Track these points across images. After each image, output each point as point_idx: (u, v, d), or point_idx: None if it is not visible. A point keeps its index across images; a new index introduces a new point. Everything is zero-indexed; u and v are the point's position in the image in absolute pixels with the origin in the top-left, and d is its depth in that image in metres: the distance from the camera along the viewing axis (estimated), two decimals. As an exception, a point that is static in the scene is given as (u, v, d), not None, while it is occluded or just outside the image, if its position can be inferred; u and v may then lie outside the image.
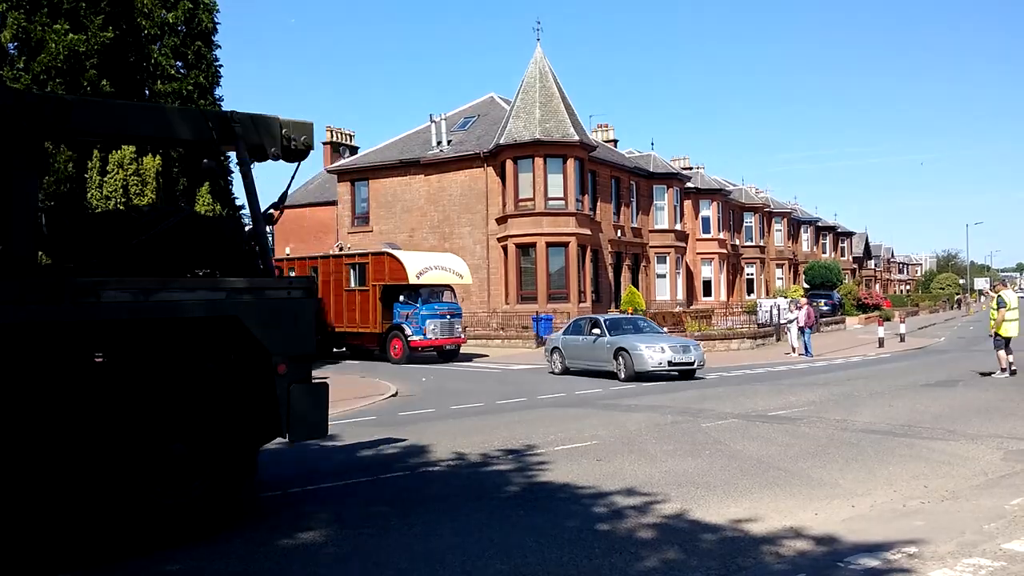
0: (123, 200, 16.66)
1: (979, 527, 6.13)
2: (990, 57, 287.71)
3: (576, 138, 33.54)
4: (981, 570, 5.19)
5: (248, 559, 5.94)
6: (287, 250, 46.41)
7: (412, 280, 24.81)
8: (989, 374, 17.37)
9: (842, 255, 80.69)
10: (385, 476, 8.68)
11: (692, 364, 18.42)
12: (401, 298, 25.19)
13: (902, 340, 31.20)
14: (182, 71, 20.16)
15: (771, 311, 33.75)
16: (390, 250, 26.90)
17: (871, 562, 5.48)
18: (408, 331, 24.65)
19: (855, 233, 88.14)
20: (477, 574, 5.50)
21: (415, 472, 8.88)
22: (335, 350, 28.06)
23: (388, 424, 12.50)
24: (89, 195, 16.45)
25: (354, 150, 45.53)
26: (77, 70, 16.26)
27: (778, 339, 31.34)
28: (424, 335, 24.62)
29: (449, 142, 37.24)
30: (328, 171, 42.58)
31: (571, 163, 33.73)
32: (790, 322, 26.81)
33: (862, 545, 5.85)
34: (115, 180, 16.64)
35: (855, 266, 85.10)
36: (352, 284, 27.00)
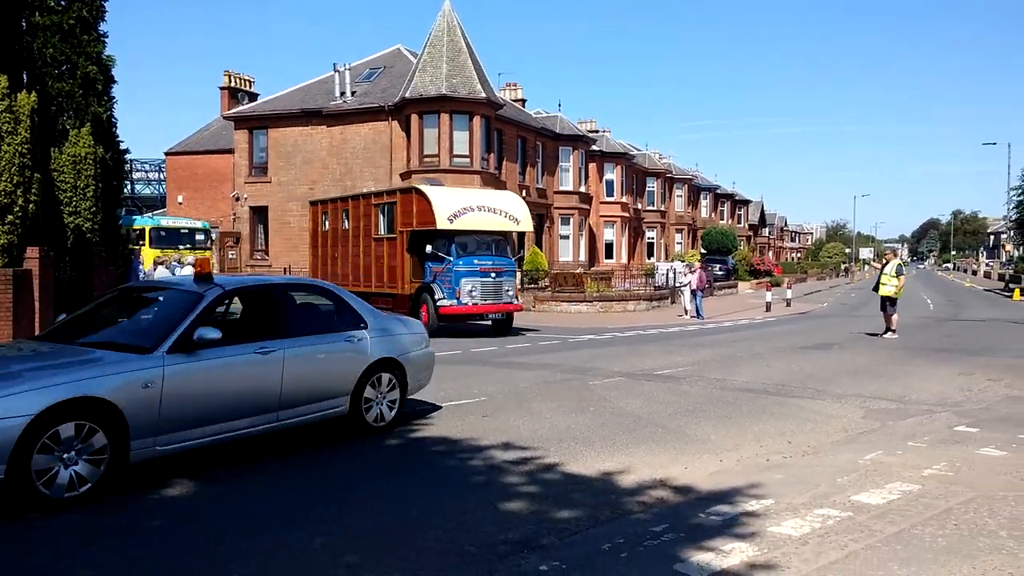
0: (-8, 138, 15.55)
1: (833, 480, 6.48)
2: (882, 38, 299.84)
3: (483, 95, 33.23)
4: (829, 519, 5.48)
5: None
6: (179, 199, 44.68)
7: (442, 225, 18.76)
8: (877, 335, 18.68)
9: (739, 222, 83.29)
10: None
11: None
12: (428, 249, 19.03)
13: (788, 305, 32.54)
14: (63, 3, 18.82)
15: (667, 274, 34.62)
16: (419, 185, 20.71)
17: (729, 511, 5.72)
18: (438, 293, 18.76)
19: (751, 201, 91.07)
20: (339, 526, 5.48)
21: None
22: None
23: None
24: (-47, 131, 15.29)
25: (254, 97, 43.85)
26: (-61, -6, 14.99)
27: (673, 302, 32.20)
28: (457, 299, 18.53)
29: (353, 93, 36.31)
30: (225, 117, 40.88)
31: (477, 120, 33.45)
32: (683, 286, 27.57)
33: (723, 496, 6.10)
34: (-17, 116, 15.51)
35: (750, 233, 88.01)
36: (381, 231, 21.38)
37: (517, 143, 39.19)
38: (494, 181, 35.08)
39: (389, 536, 5.29)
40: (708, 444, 7.86)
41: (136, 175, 67.40)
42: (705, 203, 73.41)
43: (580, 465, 7.02)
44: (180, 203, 44.51)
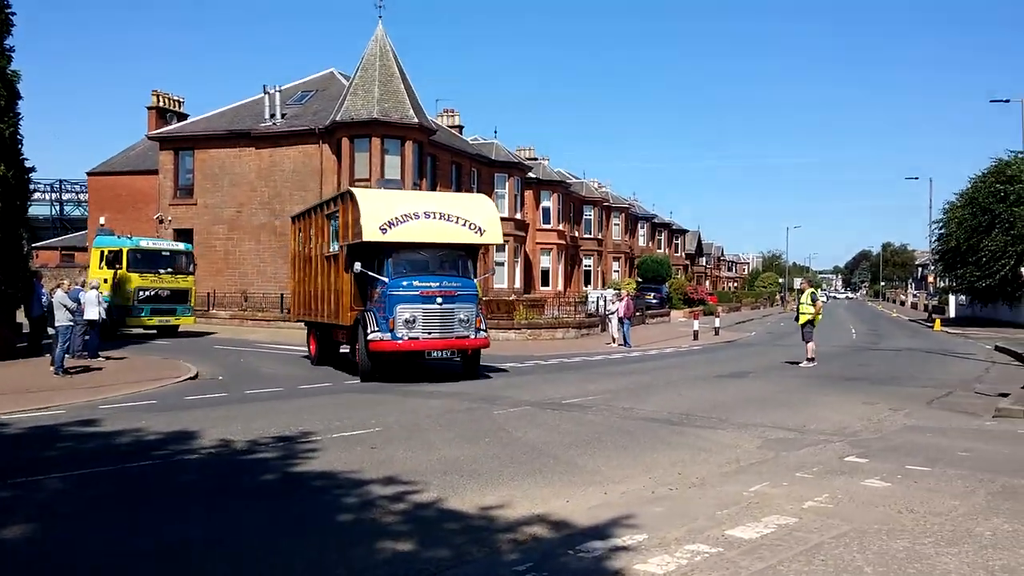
0: None
1: (712, 513, 6.31)
2: (817, 69, 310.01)
3: (415, 120, 33.05)
4: (697, 555, 5.28)
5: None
6: (101, 220, 43.29)
7: (370, 236, 14.86)
8: (796, 363, 18.92)
9: (676, 251, 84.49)
10: (132, 465, 8.01)
11: None
12: (357, 267, 15.08)
13: (716, 333, 32.84)
14: (-38, 15, 18.10)
15: (598, 302, 34.68)
16: (354, 188, 16.90)
17: (599, 547, 5.48)
18: (370, 325, 14.86)
19: (688, 231, 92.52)
20: (179, 564, 5.08)
21: (169, 460, 8.27)
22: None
23: (167, 409, 11.69)
24: None
25: (183, 117, 42.93)
26: None
27: (603, 329, 32.22)
28: (391, 332, 14.63)
29: (284, 116, 35.80)
30: (150, 137, 39.93)
31: (409, 145, 33.23)
32: (611, 314, 27.59)
33: (598, 531, 5.86)
34: None
35: (687, 262, 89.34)
36: (333, 248, 17.36)
37: (451, 169, 39.07)
38: (426, 207, 34.80)
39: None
40: (596, 476, 7.63)
41: (66, 196, 65.52)
42: (642, 232, 74.31)
43: (459, 500, 6.72)
44: (102, 224, 43.10)
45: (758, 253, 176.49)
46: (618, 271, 63.45)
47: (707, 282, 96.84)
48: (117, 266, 26.71)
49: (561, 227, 51.12)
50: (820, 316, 19.57)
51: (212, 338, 27.57)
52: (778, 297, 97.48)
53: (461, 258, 16.00)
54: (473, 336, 15.33)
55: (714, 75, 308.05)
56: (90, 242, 44.14)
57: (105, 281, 26.37)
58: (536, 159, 53.50)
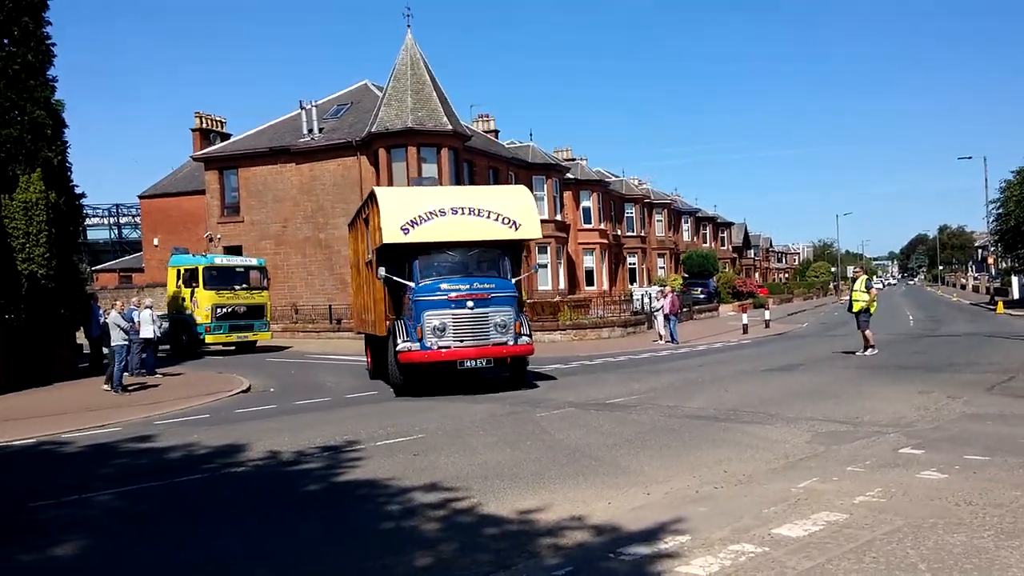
0: (-67, 184, 15.32)
1: (759, 512, 6.16)
2: (857, 60, 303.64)
3: (449, 127, 33.17)
4: (742, 556, 5.16)
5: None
6: (155, 241, 44.38)
7: (391, 238, 13.92)
8: (853, 352, 18.72)
9: (722, 245, 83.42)
10: (182, 479, 8.15)
11: None
12: (381, 272, 14.11)
13: (767, 326, 32.31)
14: (10, 48, 18.66)
15: (643, 299, 34.39)
16: (377, 188, 15.88)
17: (642, 551, 5.38)
18: (399, 335, 13.84)
19: (734, 224, 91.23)
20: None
21: (217, 474, 8.38)
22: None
23: (218, 423, 11.89)
24: None
25: (226, 137, 43.72)
26: None
27: (649, 327, 31.93)
28: (420, 341, 13.54)
29: (321, 130, 36.23)
30: (195, 158, 40.74)
31: (445, 152, 33.35)
32: (656, 310, 27.30)
33: (640, 534, 5.76)
34: (-75, 163, 15.30)
35: (735, 255, 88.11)
36: (370, 253, 16.08)
37: (489, 173, 39.11)
38: (467, 212, 34.89)
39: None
40: (639, 476, 7.52)
41: (123, 219, 67.29)
42: (686, 227, 73.52)
43: (499, 505, 6.67)
44: (156, 245, 44.17)
45: (808, 243, 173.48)
46: (663, 267, 62.87)
47: (756, 274, 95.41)
48: (194, 284, 26.79)
49: (603, 226, 50.82)
50: (875, 304, 19.05)
51: (270, 352, 27.92)
52: (831, 286, 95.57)
53: (497, 256, 14.72)
54: (512, 343, 13.87)
55: (754, 63, 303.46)
56: (149, 261, 45.25)
57: (182, 300, 26.90)
58: (574, 159, 53.30)
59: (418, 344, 13.52)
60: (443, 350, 13.50)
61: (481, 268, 14.58)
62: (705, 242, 77.00)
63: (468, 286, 13.78)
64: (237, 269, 28.19)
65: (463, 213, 14.39)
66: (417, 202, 14.45)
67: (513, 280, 14.63)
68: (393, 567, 5.30)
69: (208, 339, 26.83)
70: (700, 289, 49.23)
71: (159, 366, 20.11)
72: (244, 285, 27.85)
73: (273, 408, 13.48)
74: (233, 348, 28.04)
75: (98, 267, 55.54)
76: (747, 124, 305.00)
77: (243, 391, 16.06)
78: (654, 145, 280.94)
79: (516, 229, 14.56)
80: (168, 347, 27.26)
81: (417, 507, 6.72)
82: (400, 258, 14.41)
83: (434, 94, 33.72)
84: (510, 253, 15.13)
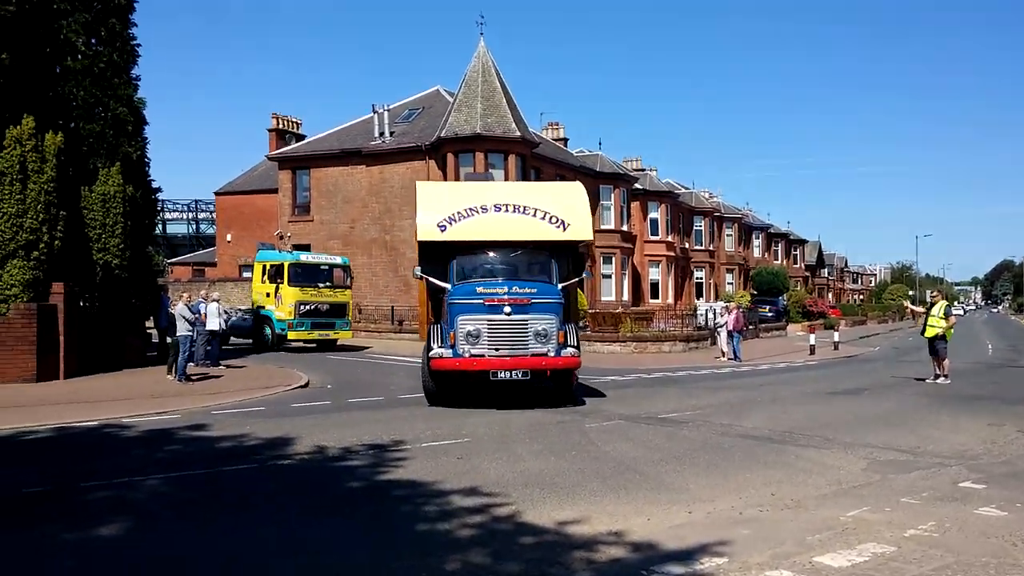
0: (19, 176, 16.00)
1: (802, 538, 5.94)
2: (945, 73, 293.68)
3: (518, 134, 33.27)
4: (779, 583, 4.98)
5: (24, 555, 5.54)
6: (228, 237, 45.66)
7: (427, 235, 13.40)
8: (924, 379, 18.04)
9: (794, 262, 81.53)
10: (229, 468, 8.29)
11: None
12: (417, 272, 13.73)
13: (836, 348, 31.40)
14: (97, 47, 19.45)
15: (707, 315, 33.83)
16: (419, 182, 15.61)
17: (676, 570, 5.24)
18: (434, 341, 12.94)
19: (808, 241, 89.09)
20: (251, 570, 5.18)
21: (263, 465, 8.51)
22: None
23: (272, 416, 12.10)
24: (-17, 169, 15.78)
25: (301, 138, 44.72)
26: (-28, 40, 15.59)
27: (713, 343, 31.37)
28: (452, 347, 12.59)
29: (392, 133, 36.76)
30: (269, 158, 41.79)
31: (513, 159, 33.45)
32: (720, 326, 26.81)
33: (677, 553, 5.62)
34: (12, 156, 15.97)
35: (807, 274, 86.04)
36: None
37: (556, 181, 39.03)
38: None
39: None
40: (682, 494, 7.34)
41: (201, 215, 69.55)
42: (757, 243, 72.09)
43: (537, 514, 6.59)
44: (228, 241, 45.47)
45: (886, 264, 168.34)
46: (731, 283, 61.75)
47: (829, 294, 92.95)
48: (279, 280, 26.70)
49: (670, 238, 50.23)
50: (952, 332, 18.18)
51: (348, 351, 28.31)
52: (908, 310, 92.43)
53: (545, 259, 13.57)
54: (554, 354, 12.54)
55: (836, 77, 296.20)
56: (222, 256, 46.56)
57: (268, 295, 26.95)
58: (643, 170, 52.86)
59: (450, 351, 12.53)
60: (475, 358, 12.43)
61: (527, 271, 13.50)
62: (776, 259, 75.41)
63: (506, 290, 12.67)
64: (322, 267, 27.92)
65: (507, 210, 13.44)
66: (458, 198, 13.71)
67: (560, 286, 13.34)
68: (421, 569, 5.27)
69: (290, 335, 26.68)
70: (768, 307, 48.21)
71: (224, 358, 20.62)
72: (328, 283, 27.59)
73: (327, 404, 13.65)
74: (314, 346, 27.88)
75: (174, 260, 57.42)
76: (828, 138, 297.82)
77: (301, 386, 16.32)
78: (727, 157, 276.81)
79: (564, 229, 13.44)
80: (250, 341, 27.60)
81: (454, 511, 6.69)
82: (441, 258, 13.58)
83: (504, 101, 33.89)
84: (560, 256, 13.82)
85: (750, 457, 9.05)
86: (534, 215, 13.51)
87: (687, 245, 55.55)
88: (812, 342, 29.30)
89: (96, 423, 11.17)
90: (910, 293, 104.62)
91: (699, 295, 55.36)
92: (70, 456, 9.20)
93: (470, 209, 13.39)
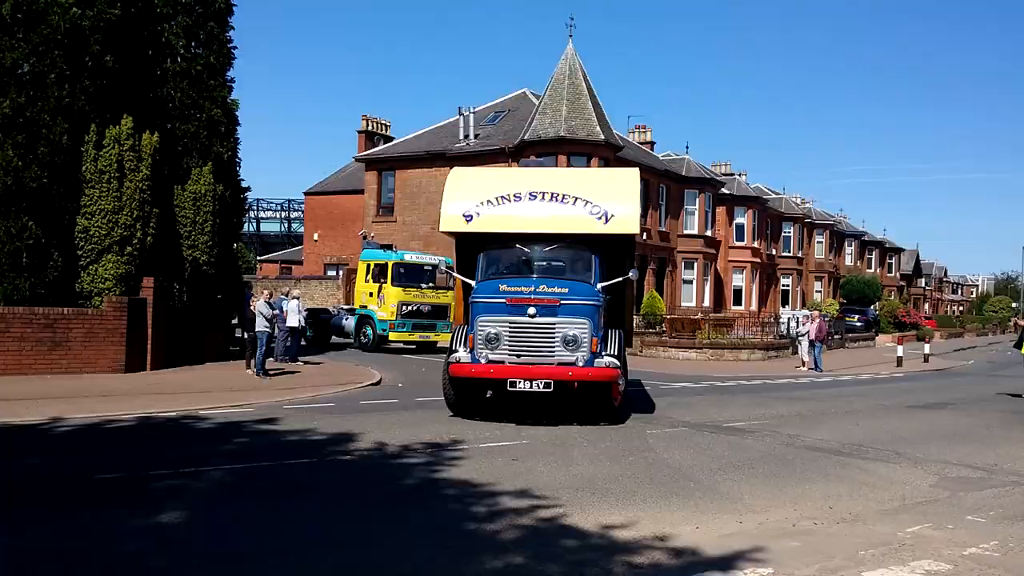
0: (116, 174, 16.87)
1: (853, 553, 5.77)
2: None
3: (602, 137, 33.14)
4: (821, 597, 4.85)
5: (87, 538, 5.86)
6: (315, 236, 46.97)
7: (450, 226, 12.26)
8: (1019, 396, 17.40)
9: (889, 271, 78.49)
10: (290, 462, 8.56)
11: None
12: (442, 265, 13.68)
13: (925, 360, 30.14)
14: (195, 50, 20.33)
15: (788, 323, 32.96)
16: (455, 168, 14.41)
17: (716, 579, 5.18)
18: (454, 342, 11.97)
19: (904, 250, 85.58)
20: (302, 561, 5.34)
21: (324, 460, 8.76)
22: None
23: (340, 412, 12.39)
24: (84, 168, 16.68)
25: (389, 140, 45.62)
26: (80, 45, 16.47)
27: (794, 352, 30.55)
28: (470, 351, 11.42)
29: (477, 136, 37.14)
30: (356, 159, 42.82)
31: (595, 162, 33.29)
32: (801, 335, 26.09)
33: (720, 560, 5.55)
34: (110, 155, 16.85)
35: (903, 283, 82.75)
36: None
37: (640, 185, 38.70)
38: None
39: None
40: (736, 504, 7.21)
41: (293, 214, 71.79)
42: (849, 250, 69.70)
43: (584, 517, 6.58)
44: (315, 240, 46.76)
45: (989, 275, 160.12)
46: (820, 291, 59.92)
47: (926, 305, 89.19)
48: (382, 280, 26.37)
49: (756, 244, 49.09)
50: None
51: (441, 353, 28.61)
52: (1013, 323, 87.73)
53: (584, 254, 11.94)
54: (583, 363, 10.97)
55: (936, 78, 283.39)
56: (308, 254, 47.91)
57: (371, 295, 26.71)
58: (732, 174, 51.85)
59: (469, 355, 11.33)
60: (493, 365, 11.07)
61: (565, 267, 12.02)
62: (870, 267, 72.74)
63: (531, 288, 11.25)
64: (425, 267, 26.98)
65: (543, 199, 11.85)
66: (492, 184, 12.31)
67: (600, 286, 11.67)
68: (462, 567, 5.34)
69: (391, 336, 26.27)
70: (857, 316, 46.67)
71: (304, 354, 21.24)
72: (431, 284, 26.89)
73: (395, 402, 13.90)
74: (414, 347, 27.44)
75: (264, 257, 59.39)
76: (930, 142, 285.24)
77: (373, 383, 16.66)
78: (822, 163, 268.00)
79: (607, 221, 11.62)
80: (352, 340, 27.51)
81: (503, 511, 6.74)
82: (471, 251, 12.46)
83: (589, 104, 33.82)
84: (604, 251, 12.14)
85: (812, 469, 8.80)
86: (574, 204, 11.80)
87: (774, 251, 54.18)
88: (900, 353, 28.20)
89: (175, 413, 11.68)
90: (1014, 305, 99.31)
91: (785, 303, 53.90)
92: (146, 445, 9.66)
93: (501, 197, 11.88)
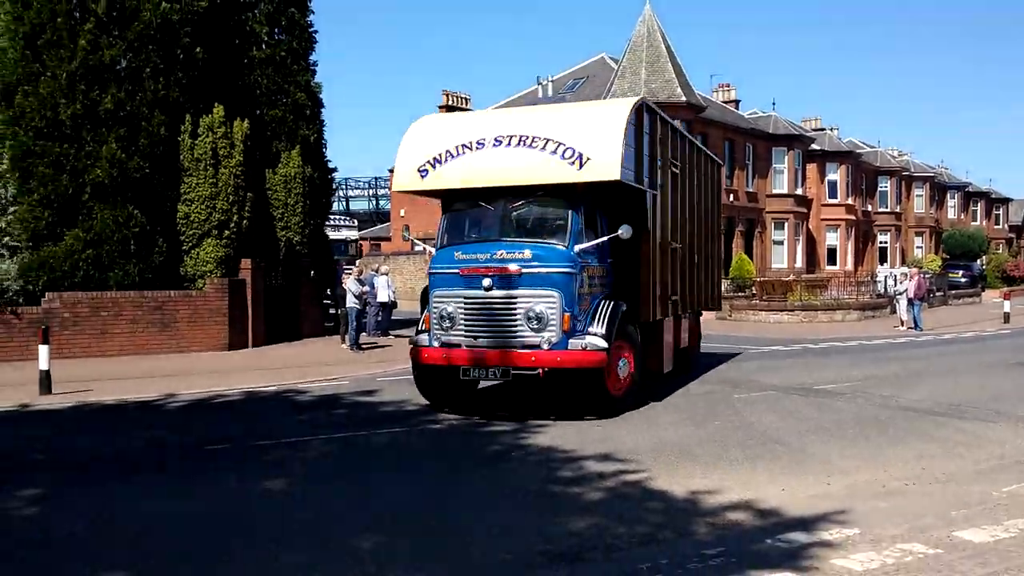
0: (212, 161, 17.63)
1: (944, 512, 5.70)
2: None
3: (683, 98, 32.52)
4: (909, 555, 4.83)
5: (210, 501, 6.32)
6: (401, 212, 47.80)
7: (404, 184, 10.48)
8: None
9: (996, 223, 74.54)
10: (384, 431, 8.93)
11: None
12: (404, 232, 12.90)
13: (1035, 316, 28.64)
14: (278, 36, 20.93)
15: (885, 281, 31.83)
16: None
17: (801, 539, 5.20)
18: (421, 323, 10.12)
19: (1012, 200, 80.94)
20: (394, 523, 5.64)
21: (415, 428, 9.09)
22: None
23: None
24: (181, 157, 17.49)
25: (469, 113, 45.95)
26: (172, 39, 17.23)
27: (892, 311, 29.50)
28: (427, 332, 9.70)
29: (556, 104, 37.00)
30: (438, 135, 43.26)
31: (677, 124, 32.74)
32: (899, 294, 25.18)
33: (805, 521, 5.56)
34: (205, 143, 17.61)
35: (1012, 236, 78.44)
36: None
37: (724, 145, 37.83)
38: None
39: (435, 537, 5.38)
40: (824, 466, 7.17)
41: (381, 191, 73.21)
42: (952, 203, 66.41)
43: (668, 481, 6.67)
44: (402, 216, 47.61)
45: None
46: (920, 247, 57.41)
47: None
48: None
49: (850, 201, 47.35)
50: None
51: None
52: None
53: (561, 210, 9.62)
54: (552, 347, 8.97)
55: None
56: (396, 231, 48.86)
57: None
58: (823, 129, 50.04)
59: (426, 336, 9.68)
60: (447, 349, 9.38)
61: (537, 227, 9.78)
62: (975, 220, 69.18)
63: (487, 255, 9.30)
64: None
65: (508, 144, 9.72)
66: (454, 131, 10.27)
67: (577, 248, 9.38)
68: (546, 527, 5.52)
69: None
70: (961, 272, 44.57)
71: (395, 328, 21.82)
72: None
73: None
74: None
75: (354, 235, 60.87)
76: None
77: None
78: (919, 112, 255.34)
79: (580, 167, 9.30)
80: None
81: (587, 475, 6.90)
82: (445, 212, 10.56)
83: (669, 65, 33.20)
84: (585, 205, 9.72)
85: (906, 430, 8.63)
86: (543, 148, 9.55)
87: (870, 208, 52.19)
88: (1007, 309, 26.87)
89: (277, 388, 12.28)
90: None
91: (883, 261, 51.95)
92: (250, 417, 10.23)
93: (463, 146, 9.89)
